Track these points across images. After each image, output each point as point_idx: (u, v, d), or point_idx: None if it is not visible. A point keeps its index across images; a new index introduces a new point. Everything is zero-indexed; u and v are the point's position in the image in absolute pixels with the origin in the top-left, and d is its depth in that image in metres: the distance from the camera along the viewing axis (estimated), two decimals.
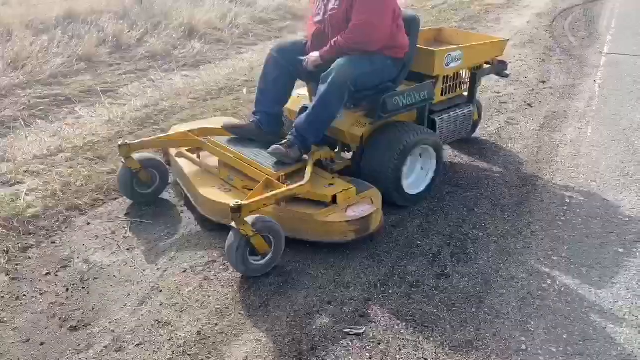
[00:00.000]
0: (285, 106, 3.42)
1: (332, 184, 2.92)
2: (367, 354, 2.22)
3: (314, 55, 3.11)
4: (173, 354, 2.21)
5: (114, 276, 2.67)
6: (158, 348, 2.24)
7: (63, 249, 2.88)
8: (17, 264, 2.75)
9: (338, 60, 2.96)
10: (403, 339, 2.31)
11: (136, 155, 3.14)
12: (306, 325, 2.37)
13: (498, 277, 2.70)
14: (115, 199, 3.33)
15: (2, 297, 2.52)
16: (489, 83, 5.51)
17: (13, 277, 2.65)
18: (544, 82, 5.73)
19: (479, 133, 4.38)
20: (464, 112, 3.68)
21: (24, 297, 2.53)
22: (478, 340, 2.31)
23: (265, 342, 2.27)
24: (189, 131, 3.32)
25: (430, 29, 4.15)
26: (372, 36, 3.00)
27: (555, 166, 3.89)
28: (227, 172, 3.12)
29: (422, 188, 3.37)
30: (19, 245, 2.89)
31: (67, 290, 2.57)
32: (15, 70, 5.47)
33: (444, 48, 3.46)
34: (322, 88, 2.95)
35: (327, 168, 3.13)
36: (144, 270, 2.71)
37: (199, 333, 2.32)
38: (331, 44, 3.04)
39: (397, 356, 2.22)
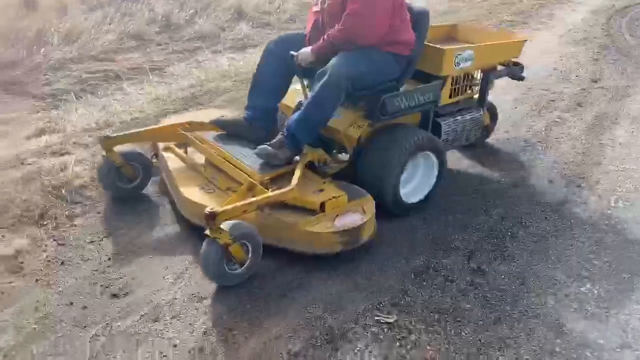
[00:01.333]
0: (282, 101, 3.19)
1: (322, 190, 2.71)
2: (397, 343, 2.23)
3: (306, 50, 2.87)
4: (207, 328, 2.27)
5: (154, 249, 2.75)
6: (193, 321, 2.30)
7: (107, 220, 2.98)
8: (63, 231, 2.86)
9: (335, 57, 2.76)
10: (435, 332, 2.30)
11: (119, 149, 2.99)
12: (339, 310, 2.39)
13: (536, 277, 2.65)
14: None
15: (49, 261, 2.64)
16: (537, 80, 5.37)
17: (60, 244, 2.77)
18: (595, 81, 5.55)
19: (521, 133, 4.29)
20: (473, 116, 3.43)
21: (69, 263, 2.63)
22: (511, 339, 2.28)
23: (297, 323, 2.31)
24: (177, 124, 3.13)
25: (442, 26, 3.86)
26: (363, 28, 2.74)
27: (602, 169, 3.77)
28: (211, 172, 2.93)
29: (421, 196, 3.12)
30: (66, 213, 3.00)
31: (109, 259, 2.67)
32: (69, 45, 5.64)
33: (454, 46, 3.22)
34: (316, 87, 2.74)
35: (320, 171, 2.92)
36: (182, 245, 2.78)
37: (233, 309, 2.37)
38: (323, 38, 2.82)
39: (427, 347, 2.22)
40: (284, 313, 2.36)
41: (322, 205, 2.63)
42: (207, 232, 2.32)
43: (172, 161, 3.12)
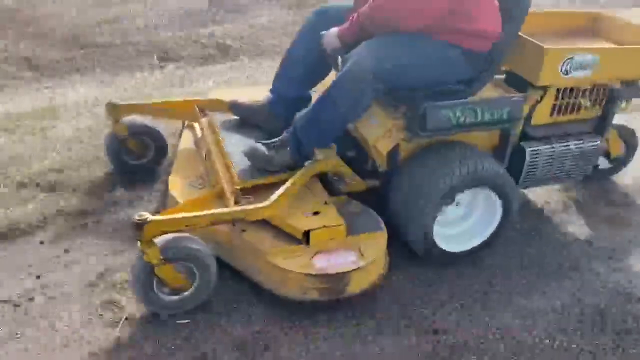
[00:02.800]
0: (317, 87, 2.51)
1: (317, 213, 2.07)
2: None
3: (331, 32, 2.18)
4: None
5: None
6: None
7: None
8: None
9: (364, 43, 2.05)
10: None
11: (126, 120, 2.56)
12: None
13: None
14: None
15: None
16: None
17: None
18: None
19: None
20: (584, 145, 2.43)
21: None
22: None
23: None
24: (193, 101, 2.68)
25: (574, 13, 2.80)
26: (404, 4, 2.02)
27: None
28: (208, 164, 2.38)
29: (469, 246, 2.29)
30: None
31: None
32: None
33: (565, 47, 2.29)
34: (335, 78, 2.13)
35: (334, 187, 2.24)
36: None
37: None
38: (352, 17, 2.12)
39: None
40: None
41: (307, 233, 2.00)
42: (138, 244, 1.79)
43: (185, 141, 2.63)
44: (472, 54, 2.15)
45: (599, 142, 2.46)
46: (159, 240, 1.80)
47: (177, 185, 2.28)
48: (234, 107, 2.52)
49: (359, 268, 1.94)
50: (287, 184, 2.03)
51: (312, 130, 2.15)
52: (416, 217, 2.12)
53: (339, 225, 2.02)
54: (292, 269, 1.91)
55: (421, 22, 2.05)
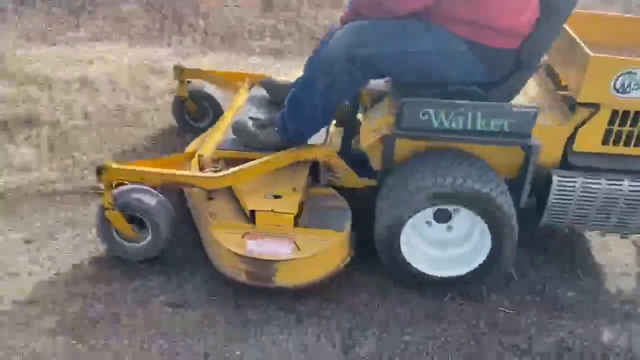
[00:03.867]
0: None
1: (278, 197, 2.01)
2: None
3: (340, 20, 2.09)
4: None
5: None
6: None
7: None
8: None
9: (347, 24, 1.93)
10: None
11: (190, 83, 2.78)
12: None
13: None
14: None
15: None
16: None
17: None
18: None
19: None
20: None
21: None
22: None
23: None
24: (244, 74, 2.79)
25: None
26: None
27: None
28: None
29: (454, 272, 2.00)
30: None
31: None
32: None
33: (622, 58, 1.85)
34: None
35: (321, 177, 2.16)
36: None
37: None
38: (350, 2, 2.01)
39: None
40: None
41: (253, 213, 1.97)
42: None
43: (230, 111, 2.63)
44: (489, 51, 1.86)
45: None
46: (117, 191, 1.95)
47: (192, 147, 2.44)
48: (265, 83, 2.54)
49: (288, 260, 1.86)
50: (257, 161, 2.02)
51: (293, 113, 2.09)
52: (385, 228, 1.93)
53: (288, 213, 1.94)
54: (224, 244, 1.90)
55: (411, 7, 1.83)
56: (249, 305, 1.94)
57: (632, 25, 2.27)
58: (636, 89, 1.84)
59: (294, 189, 2.04)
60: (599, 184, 1.95)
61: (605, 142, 1.96)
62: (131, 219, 1.99)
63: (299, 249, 1.89)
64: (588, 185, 1.95)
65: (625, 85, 1.83)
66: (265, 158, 2.04)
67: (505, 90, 1.95)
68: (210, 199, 2.08)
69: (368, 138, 2.02)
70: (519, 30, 1.86)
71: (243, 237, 1.92)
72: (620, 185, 1.94)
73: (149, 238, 2.02)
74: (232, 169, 1.99)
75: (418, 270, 1.99)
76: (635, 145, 1.95)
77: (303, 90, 2.06)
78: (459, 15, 1.82)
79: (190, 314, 1.90)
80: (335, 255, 1.96)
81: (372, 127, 2.03)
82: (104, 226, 2.00)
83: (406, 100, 1.86)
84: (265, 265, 1.86)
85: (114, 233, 2.02)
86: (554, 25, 1.88)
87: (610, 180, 1.94)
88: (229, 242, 1.90)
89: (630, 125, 1.92)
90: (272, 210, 1.94)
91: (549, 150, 1.97)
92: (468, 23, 1.82)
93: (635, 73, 1.82)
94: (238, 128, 2.19)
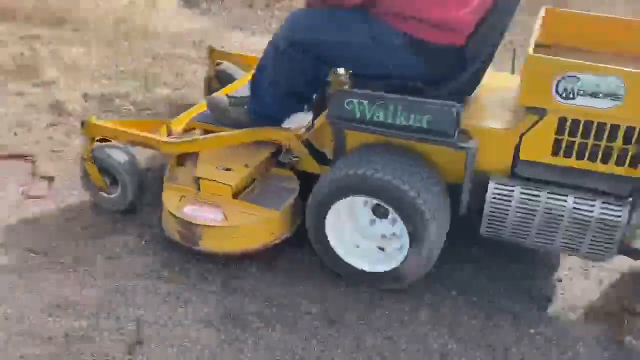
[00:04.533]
0: None
1: (228, 169, 2.12)
2: None
3: None
4: None
5: None
6: None
7: None
8: None
9: (296, 9, 2.05)
10: None
11: (220, 65, 2.92)
12: None
13: None
14: None
15: None
16: None
17: None
18: None
19: None
20: (598, 212, 1.72)
21: None
22: None
23: None
24: None
25: (599, 18, 2.06)
26: None
27: None
28: None
29: (382, 268, 1.94)
30: None
31: None
32: None
33: (563, 59, 1.64)
34: None
35: (282, 158, 2.22)
36: None
37: None
38: None
39: None
40: None
41: (198, 180, 2.11)
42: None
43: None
44: (426, 46, 1.82)
45: (622, 213, 1.69)
46: (97, 146, 2.22)
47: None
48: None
49: (213, 227, 1.98)
50: (213, 135, 2.18)
51: (253, 95, 2.17)
52: (310, 206, 1.96)
53: (227, 185, 2.06)
54: (166, 204, 2.08)
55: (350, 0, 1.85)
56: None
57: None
58: (582, 96, 1.62)
59: (246, 165, 2.15)
60: (538, 197, 1.77)
61: (555, 152, 1.76)
62: (108, 173, 2.25)
63: (226, 219, 2.00)
64: (527, 197, 1.78)
65: (569, 91, 1.63)
66: (222, 133, 2.17)
67: (454, 88, 1.85)
68: (181, 165, 2.25)
69: (318, 127, 2.06)
70: (456, 25, 1.80)
71: (181, 199, 2.09)
72: (564, 201, 1.75)
73: (118, 191, 2.26)
74: (187, 138, 2.21)
75: (345, 261, 1.98)
76: (588, 159, 1.72)
77: (259, 73, 2.14)
78: (397, 8, 1.81)
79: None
80: (262, 231, 2.03)
81: (322, 117, 2.04)
82: (85, 175, 2.28)
83: (333, 90, 1.85)
84: (193, 229, 2.01)
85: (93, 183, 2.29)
86: (497, 22, 1.79)
87: (552, 194, 1.75)
88: (171, 203, 2.08)
89: (582, 137, 1.70)
90: (214, 180, 2.08)
91: (498, 157, 1.83)
92: (406, 17, 1.80)
93: (578, 78, 1.60)
94: (212, 104, 2.31)
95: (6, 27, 3.93)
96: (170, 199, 2.09)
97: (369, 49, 1.87)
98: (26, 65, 3.43)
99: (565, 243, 1.82)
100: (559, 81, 1.62)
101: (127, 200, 2.27)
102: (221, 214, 2.02)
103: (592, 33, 2.00)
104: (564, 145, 1.73)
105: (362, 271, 1.97)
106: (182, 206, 2.05)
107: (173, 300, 1.92)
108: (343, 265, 1.99)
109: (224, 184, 2.06)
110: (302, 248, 2.11)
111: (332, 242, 1.97)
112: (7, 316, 1.83)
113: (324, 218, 1.92)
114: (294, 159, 2.17)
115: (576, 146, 1.72)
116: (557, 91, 1.63)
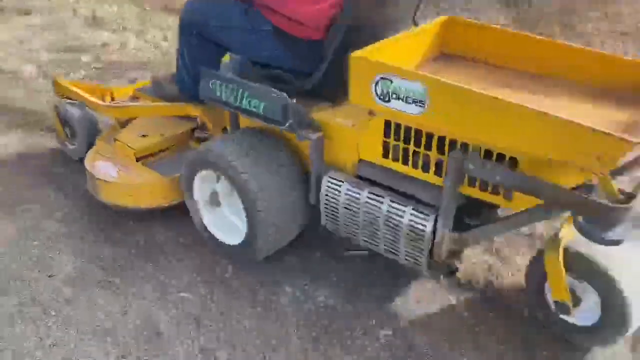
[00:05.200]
0: None
1: (145, 136, 2.41)
2: None
3: None
4: None
5: None
6: None
7: None
8: None
9: None
10: None
11: None
12: None
13: None
14: None
15: None
16: None
17: None
18: None
19: None
20: (407, 219, 1.71)
21: None
22: None
23: None
24: None
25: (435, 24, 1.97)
26: None
27: None
28: None
29: (230, 241, 2.08)
30: None
31: None
32: None
33: (378, 62, 1.62)
34: None
35: (198, 134, 2.48)
36: None
37: None
38: None
39: None
40: None
41: (115, 141, 2.42)
42: None
43: None
44: (289, 38, 1.92)
45: (427, 223, 1.67)
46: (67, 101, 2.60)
47: None
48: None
49: (105, 181, 2.25)
50: (141, 104, 2.49)
51: (177, 72, 2.33)
52: (180, 180, 2.16)
53: (131, 148, 2.33)
54: (86, 160, 2.37)
55: None
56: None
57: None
58: (395, 99, 1.58)
59: (162, 135, 2.42)
60: (358, 196, 1.81)
61: (384, 155, 1.77)
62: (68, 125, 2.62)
63: (117, 177, 2.27)
64: (350, 195, 1.83)
65: (385, 93, 1.60)
66: (145, 104, 2.48)
67: (317, 81, 1.91)
68: (123, 127, 2.52)
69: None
70: (308, 20, 1.87)
71: (96, 155, 2.38)
72: (381, 204, 1.76)
73: (75, 142, 2.63)
74: (117, 104, 2.55)
75: (208, 229, 2.14)
76: (412, 165, 1.71)
77: (177, 53, 2.29)
78: (265, 1, 1.94)
79: None
80: (149, 193, 2.26)
81: None
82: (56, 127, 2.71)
83: (204, 70, 1.99)
84: (92, 180, 2.31)
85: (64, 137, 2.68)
86: (344, 19, 1.82)
87: (371, 196, 1.78)
88: (89, 157, 2.38)
89: (404, 142, 1.69)
90: (122, 143, 2.36)
91: (347, 154, 1.87)
92: (270, 8, 1.93)
93: (391, 81, 1.57)
94: (153, 78, 2.53)
95: None
96: (90, 154, 2.38)
97: (247, 36, 1.99)
98: None
99: (386, 247, 1.83)
100: (376, 83, 1.60)
101: (82, 150, 2.52)
102: (116, 172, 2.28)
103: (497, 47, 1.92)
104: (390, 148, 1.74)
105: (220, 242, 2.10)
106: (94, 161, 2.34)
107: None
108: (208, 234, 2.14)
109: (129, 147, 2.32)
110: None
111: (200, 208, 2.12)
112: None
113: (192, 187, 2.10)
114: (207, 134, 2.40)
115: (401, 150, 1.72)
116: (376, 92, 1.62)
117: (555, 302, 1.67)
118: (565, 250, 1.61)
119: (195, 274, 2.08)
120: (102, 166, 2.32)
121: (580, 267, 1.64)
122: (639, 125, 1.52)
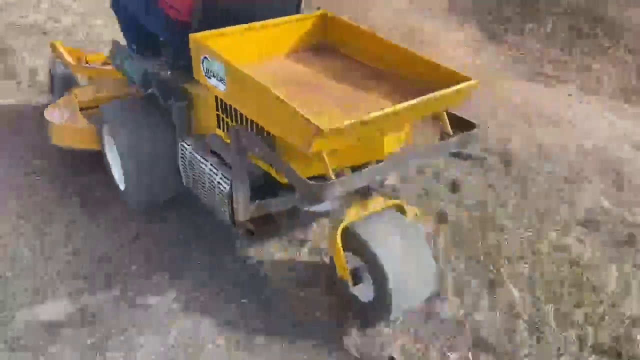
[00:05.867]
0: None
1: (99, 92, 2.87)
2: None
3: None
4: None
5: None
6: None
7: None
8: None
9: None
10: None
11: None
12: None
13: None
14: None
15: None
16: None
17: None
18: None
19: None
20: (217, 178, 2.03)
21: None
22: None
23: None
24: None
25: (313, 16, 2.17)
26: None
27: None
28: None
29: (122, 186, 2.57)
30: None
31: None
32: None
33: (202, 42, 1.88)
34: None
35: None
36: None
37: None
38: None
39: None
40: None
41: (71, 94, 2.86)
42: None
43: None
44: (168, 19, 2.17)
45: (227, 186, 1.95)
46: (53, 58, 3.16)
47: None
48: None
49: (51, 124, 2.72)
50: (100, 66, 3.02)
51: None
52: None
53: (80, 101, 2.77)
54: (46, 109, 2.80)
55: None
56: None
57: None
58: (213, 77, 1.85)
59: (112, 93, 2.80)
60: (194, 160, 2.17)
61: (220, 126, 2.11)
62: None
63: (58, 122, 2.72)
64: (192, 159, 2.20)
65: (208, 71, 1.88)
66: (104, 67, 3.02)
67: (189, 59, 2.06)
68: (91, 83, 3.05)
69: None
70: (175, 2, 2.15)
71: (57, 105, 2.81)
72: (204, 167, 2.11)
73: (55, 95, 3.03)
74: (86, 65, 3.07)
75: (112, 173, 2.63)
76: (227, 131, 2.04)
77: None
78: None
79: None
80: (87, 139, 2.68)
81: None
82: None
83: (114, 40, 2.63)
84: (47, 124, 2.75)
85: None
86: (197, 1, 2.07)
87: (202, 160, 2.14)
88: (50, 107, 2.83)
89: (231, 118, 2.00)
90: (75, 95, 2.82)
91: (206, 123, 2.24)
92: None
93: (209, 60, 1.80)
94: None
95: None
96: (51, 108, 2.79)
97: (149, 18, 2.29)
98: None
99: (211, 203, 2.16)
100: (202, 61, 1.90)
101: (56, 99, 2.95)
102: (61, 118, 2.72)
103: (359, 44, 2.12)
104: (221, 120, 2.02)
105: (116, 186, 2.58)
106: (52, 109, 2.78)
107: None
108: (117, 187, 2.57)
109: (80, 100, 2.76)
110: None
111: (109, 157, 2.60)
112: None
113: (102, 136, 2.57)
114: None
115: (222, 122, 2.03)
116: (204, 69, 1.91)
117: (340, 279, 1.85)
118: (345, 230, 1.77)
119: None
120: (54, 112, 2.76)
121: (353, 245, 1.79)
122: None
